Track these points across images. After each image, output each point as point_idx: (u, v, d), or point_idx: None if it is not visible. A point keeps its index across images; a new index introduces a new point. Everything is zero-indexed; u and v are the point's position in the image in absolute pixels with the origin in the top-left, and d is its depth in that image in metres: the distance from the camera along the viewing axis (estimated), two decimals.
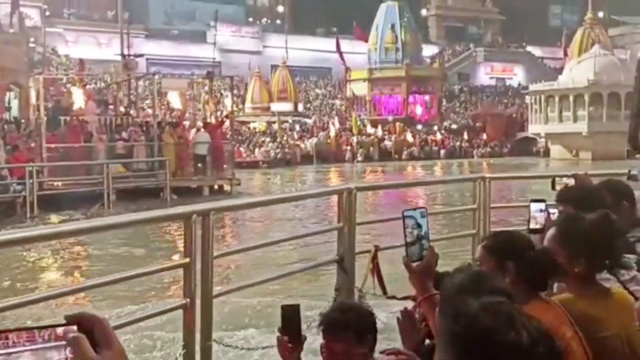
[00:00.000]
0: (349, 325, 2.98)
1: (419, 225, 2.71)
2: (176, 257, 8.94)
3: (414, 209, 2.76)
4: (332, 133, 50.79)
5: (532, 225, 3.79)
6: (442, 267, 2.78)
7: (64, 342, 1.06)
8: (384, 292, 5.98)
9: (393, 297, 5.58)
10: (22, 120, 25.65)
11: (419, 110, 58.99)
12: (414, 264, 2.66)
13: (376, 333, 3.06)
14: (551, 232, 2.90)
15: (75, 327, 1.08)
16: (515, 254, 2.60)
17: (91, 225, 5.05)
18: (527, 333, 1.49)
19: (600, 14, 63.41)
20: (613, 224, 2.85)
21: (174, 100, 28.42)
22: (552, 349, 1.52)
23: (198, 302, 4.59)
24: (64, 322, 1.08)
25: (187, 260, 4.60)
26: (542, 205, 3.78)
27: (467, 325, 1.53)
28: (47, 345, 1.06)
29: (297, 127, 53.11)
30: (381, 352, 2.82)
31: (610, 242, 2.78)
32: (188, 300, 4.53)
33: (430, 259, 2.68)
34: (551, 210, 3.73)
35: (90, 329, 1.08)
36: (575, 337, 2.45)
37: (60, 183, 21.79)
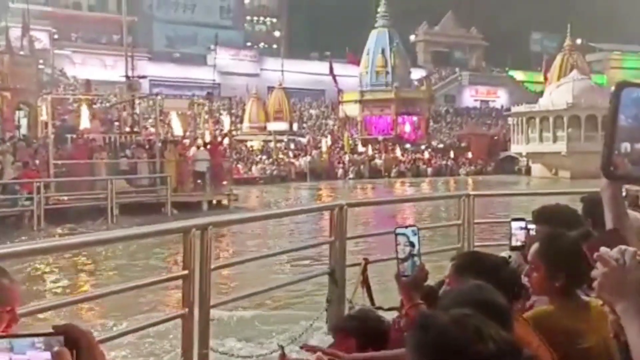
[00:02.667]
0: (352, 332, 3.06)
1: (411, 243, 2.72)
2: (176, 269, 8.91)
3: (406, 227, 2.77)
4: (324, 148, 50.89)
5: (513, 243, 3.80)
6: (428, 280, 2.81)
7: (48, 353, 1.05)
8: (372, 303, 5.98)
9: (380, 308, 5.57)
10: (34, 140, 25.62)
11: (407, 130, 59.16)
12: (405, 279, 2.69)
13: (383, 339, 3.08)
14: (534, 247, 2.91)
15: (61, 338, 1.07)
16: (483, 274, 2.60)
17: (95, 239, 5.05)
18: (495, 344, 1.50)
19: (579, 41, 63.78)
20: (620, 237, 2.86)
21: (175, 124, 28.42)
22: (520, 359, 1.54)
23: (196, 312, 4.58)
24: (51, 331, 1.07)
25: (186, 272, 4.59)
26: (522, 224, 3.78)
27: (436, 337, 1.54)
28: (33, 352, 1.05)
29: (292, 145, 53.14)
30: (300, 347, 2.88)
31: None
32: (187, 310, 4.53)
33: (420, 274, 2.71)
34: (530, 227, 3.73)
35: (77, 341, 1.08)
36: (542, 345, 2.46)
37: (66, 198, 21.75)
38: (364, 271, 6.09)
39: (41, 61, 40.49)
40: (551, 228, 3.32)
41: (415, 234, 2.74)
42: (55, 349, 1.05)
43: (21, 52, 31.27)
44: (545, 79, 58.57)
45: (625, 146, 1.42)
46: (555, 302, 2.76)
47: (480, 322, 1.55)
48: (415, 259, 2.71)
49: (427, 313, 1.66)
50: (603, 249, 1.49)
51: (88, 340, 1.09)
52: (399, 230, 2.74)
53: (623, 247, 1.48)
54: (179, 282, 4.74)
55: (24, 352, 1.05)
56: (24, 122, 29.15)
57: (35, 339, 1.06)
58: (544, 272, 2.75)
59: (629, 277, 1.45)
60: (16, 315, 2.32)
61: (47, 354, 1.05)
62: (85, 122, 25.04)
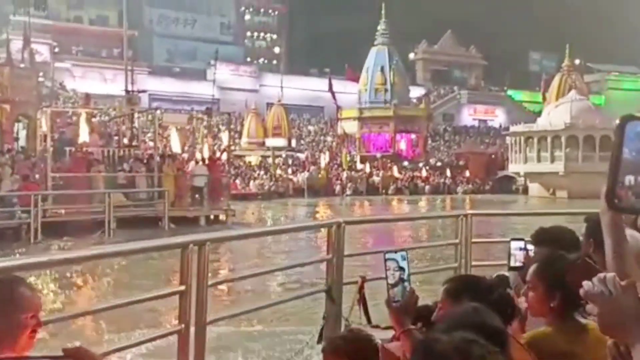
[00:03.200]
0: (342, 352, 3.05)
1: (401, 268, 2.71)
2: (173, 284, 8.89)
3: (395, 252, 2.75)
4: (322, 165, 50.99)
5: (512, 263, 3.78)
6: (424, 299, 2.80)
7: None
8: (369, 321, 5.96)
9: (377, 327, 5.55)
10: (33, 153, 25.61)
11: (405, 147, 59.27)
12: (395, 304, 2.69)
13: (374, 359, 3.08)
14: (533, 267, 2.91)
15: None
16: (476, 297, 2.60)
17: (91, 254, 5.03)
18: None
19: (577, 62, 64.06)
20: (592, 266, 2.86)
21: (174, 140, 28.47)
22: None
23: (192, 328, 4.56)
24: (61, 354, 1.08)
25: (183, 288, 4.58)
26: (521, 244, 3.77)
27: None
28: None
29: (290, 161, 53.21)
30: None
31: None
32: (183, 326, 4.50)
33: (410, 299, 2.70)
34: (529, 247, 3.72)
35: None
36: None
37: (63, 211, 21.71)
38: (361, 289, 6.07)
39: (41, 74, 40.55)
40: (550, 250, 3.32)
41: (404, 259, 2.73)
42: None
43: (22, 65, 31.33)
44: (544, 98, 58.81)
45: (630, 179, 1.44)
46: (552, 324, 2.75)
47: (481, 348, 1.53)
48: (406, 284, 2.70)
49: (428, 339, 1.64)
50: (586, 286, 1.47)
51: None
52: (388, 255, 2.72)
53: (601, 275, 1.47)
54: (175, 297, 4.72)
55: None
56: (22, 134, 29.15)
57: None
58: (541, 292, 2.75)
59: (624, 305, 1.42)
60: (40, 321, 2.53)
61: None
62: (84, 136, 25.05)
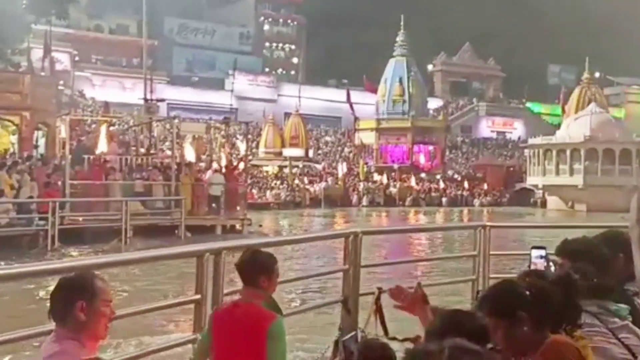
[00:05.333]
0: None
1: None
2: (189, 293, 8.86)
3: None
4: (339, 175, 51.01)
5: None
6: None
7: None
8: (386, 332, 5.90)
9: (394, 338, 5.49)
10: (51, 160, 25.79)
11: (423, 159, 59.14)
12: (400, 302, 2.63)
13: None
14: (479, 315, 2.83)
15: None
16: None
17: (108, 261, 5.03)
18: None
19: (597, 74, 63.74)
20: (572, 285, 2.82)
21: (188, 150, 28.56)
22: None
23: None
24: None
25: (199, 296, 4.56)
26: (542, 252, 3.72)
27: None
28: None
29: (307, 171, 53.23)
30: None
31: (570, 302, 2.72)
32: (198, 335, 4.48)
33: (417, 293, 2.64)
34: (551, 258, 3.67)
35: None
36: None
37: (81, 218, 21.81)
38: (377, 300, 6.02)
39: (61, 82, 40.94)
40: (573, 262, 3.27)
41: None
42: None
43: (42, 73, 31.62)
44: (563, 111, 58.51)
45: None
46: (551, 341, 2.66)
47: (472, 356, 1.50)
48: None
49: (418, 352, 1.59)
50: None
51: None
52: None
53: None
54: (191, 305, 4.70)
55: None
56: (42, 142, 29.37)
57: None
58: (505, 326, 2.60)
59: None
60: (113, 310, 2.88)
61: None
62: (102, 145, 25.16)
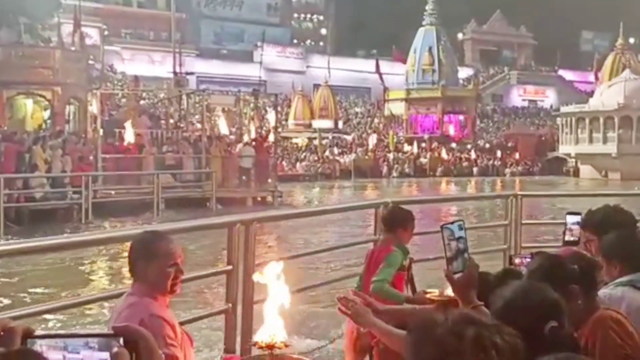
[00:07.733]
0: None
1: (458, 238, 2.56)
2: (220, 264, 8.95)
3: (452, 223, 2.60)
4: (369, 146, 50.86)
5: (568, 238, 3.70)
6: None
7: (104, 353, 1.05)
8: None
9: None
10: (83, 135, 26.05)
11: (453, 129, 58.68)
12: (456, 276, 2.56)
13: None
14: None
15: (121, 339, 1.07)
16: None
17: (138, 233, 5.08)
18: (497, 352, 1.46)
19: (632, 40, 62.45)
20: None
21: (222, 123, 28.58)
22: None
23: (239, 307, 4.58)
24: (111, 332, 1.08)
25: (230, 267, 4.60)
26: (577, 218, 3.67)
27: (434, 351, 1.50)
28: (87, 352, 1.05)
29: (337, 143, 53.14)
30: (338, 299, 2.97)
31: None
32: (230, 305, 4.53)
33: (472, 269, 2.56)
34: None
35: (136, 343, 1.07)
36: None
37: (113, 192, 22.07)
38: (408, 269, 6.03)
39: (91, 57, 41.08)
40: (597, 234, 3.24)
41: (461, 229, 2.58)
42: (115, 349, 1.05)
43: (72, 48, 31.79)
44: (596, 78, 57.56)
45: None
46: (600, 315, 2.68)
47: (482, 329, 1.50)
48: (465, 254, 2.55)
49: (421, 324, 1.59)
50: None
51: (147, 342, 1.09)
52: (445, 227, 2.57)
53: None
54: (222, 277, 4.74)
55: (77, 351, 1.05)
56: (73, 116, 29.66)
57: (89, 339, 1.06)
58: None
59: None
60: (181, 268, 3.05)
61: (103, 354, 1.05)
62: (129, 136, 24.69)
